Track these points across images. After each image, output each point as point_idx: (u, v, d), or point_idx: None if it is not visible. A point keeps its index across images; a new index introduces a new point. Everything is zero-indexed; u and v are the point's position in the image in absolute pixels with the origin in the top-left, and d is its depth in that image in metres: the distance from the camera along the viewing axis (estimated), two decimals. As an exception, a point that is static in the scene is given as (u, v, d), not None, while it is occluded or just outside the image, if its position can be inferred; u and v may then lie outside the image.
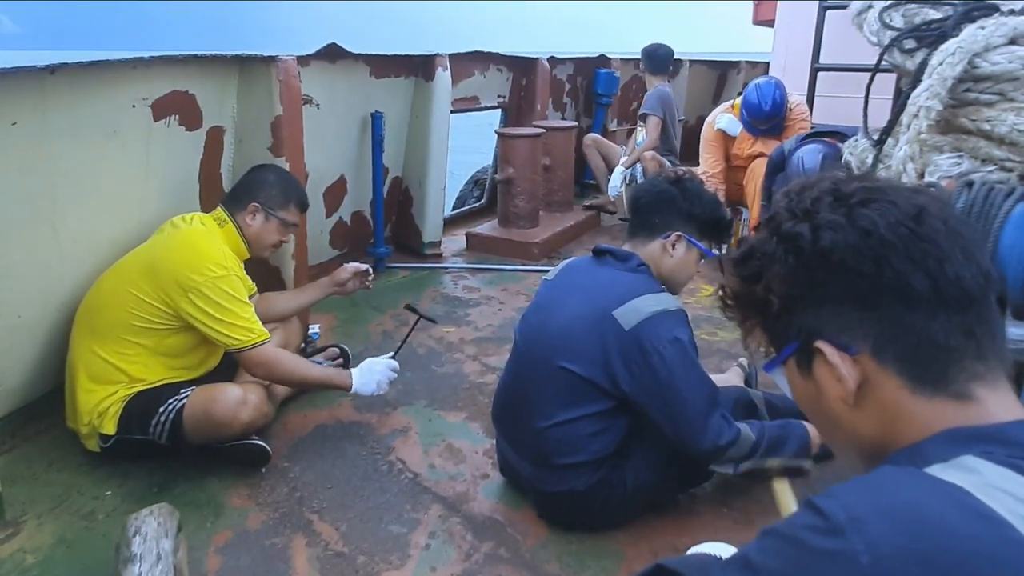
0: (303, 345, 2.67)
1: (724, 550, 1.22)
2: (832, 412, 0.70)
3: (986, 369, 0.64)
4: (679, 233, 1.80)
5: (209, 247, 2.04)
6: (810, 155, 3.17)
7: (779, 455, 1.71)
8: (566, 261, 1.94)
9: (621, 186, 4.56)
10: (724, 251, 3.83)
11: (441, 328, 3.07)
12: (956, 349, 0.64)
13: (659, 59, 4.79)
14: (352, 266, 2.58)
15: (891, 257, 0.64)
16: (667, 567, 1.00)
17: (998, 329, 0.66)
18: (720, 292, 0.79)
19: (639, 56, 4.91)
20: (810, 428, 1.82)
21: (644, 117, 4.63)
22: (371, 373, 2.21)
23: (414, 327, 2.48)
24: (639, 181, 4.45)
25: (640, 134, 4.74)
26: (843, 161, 3.13)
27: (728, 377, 2.29)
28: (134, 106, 2.22)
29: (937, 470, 0.58)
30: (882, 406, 0.66)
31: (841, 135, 3.14)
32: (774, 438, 1.71)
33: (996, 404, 0.64)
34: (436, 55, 3.78)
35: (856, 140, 2.26)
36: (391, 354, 2.34)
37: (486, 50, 4.42)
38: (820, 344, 0.68)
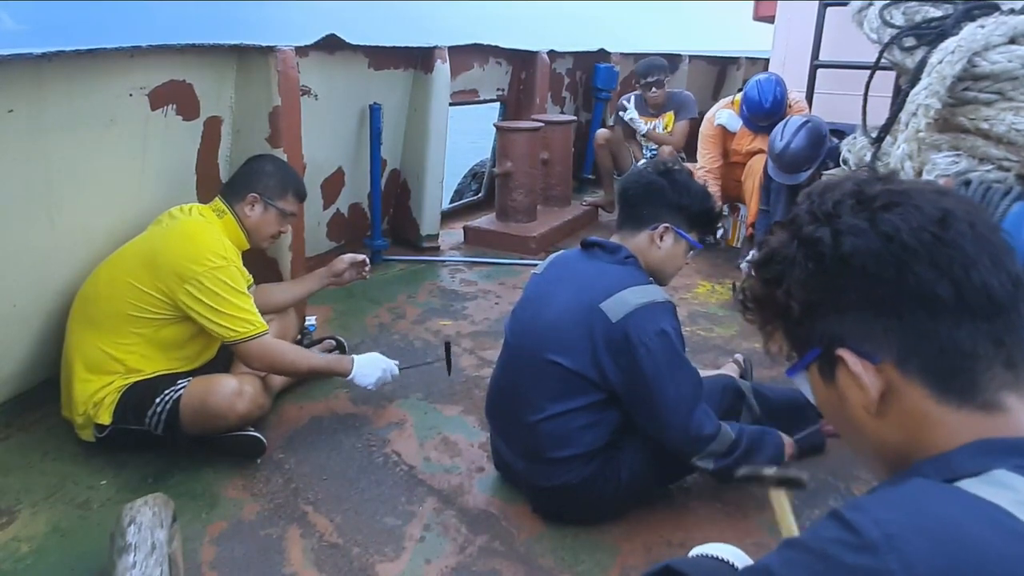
0: (299, 337, 2.67)
1: (728, 552, 1.20)
2: (855, 420, 0.68)
3: (1015, 379, 0.62)
4: (667, 225, 1.79)
5: (208, 238, 2.04)
6: (791, 122, 3.19)
7: (755, 458, 1.76)
8: (554, 254, 1.93)
9: (628, 117, 4.58)
10: (718, 244, 3.77)
11: (438, 321, 3.07)
12: (984, 358, 0.61)
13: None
14: (349, 257, 2.58)
15: (914, 264, 0.61)
16: (677, 569, 0.96)
17: None
18: (740, 295, 0.76)
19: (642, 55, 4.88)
20: (785, 438, 1.86)
21: (677, 114, 4.66)
22: (373, 366, 2.22)
23: (445, 360, 2.42)
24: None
25: (661, 121, 4.73)
26: (822, 130, 3.14)
27: (724, 373, 2.29)
28: (131, 95, 2.21)
29: (970, 484, 0.56)
30: (907, 415, 0.64)
31: (840, 132, 3.15)
32: (752, 441, 1.77)
33: None
34: (435, 47, 3.76)
35: (855, 137, 2.26)
36: (397, 361, 2.31)
37: (485, 43, 4.40)
38: (842, 352, 0.66)
